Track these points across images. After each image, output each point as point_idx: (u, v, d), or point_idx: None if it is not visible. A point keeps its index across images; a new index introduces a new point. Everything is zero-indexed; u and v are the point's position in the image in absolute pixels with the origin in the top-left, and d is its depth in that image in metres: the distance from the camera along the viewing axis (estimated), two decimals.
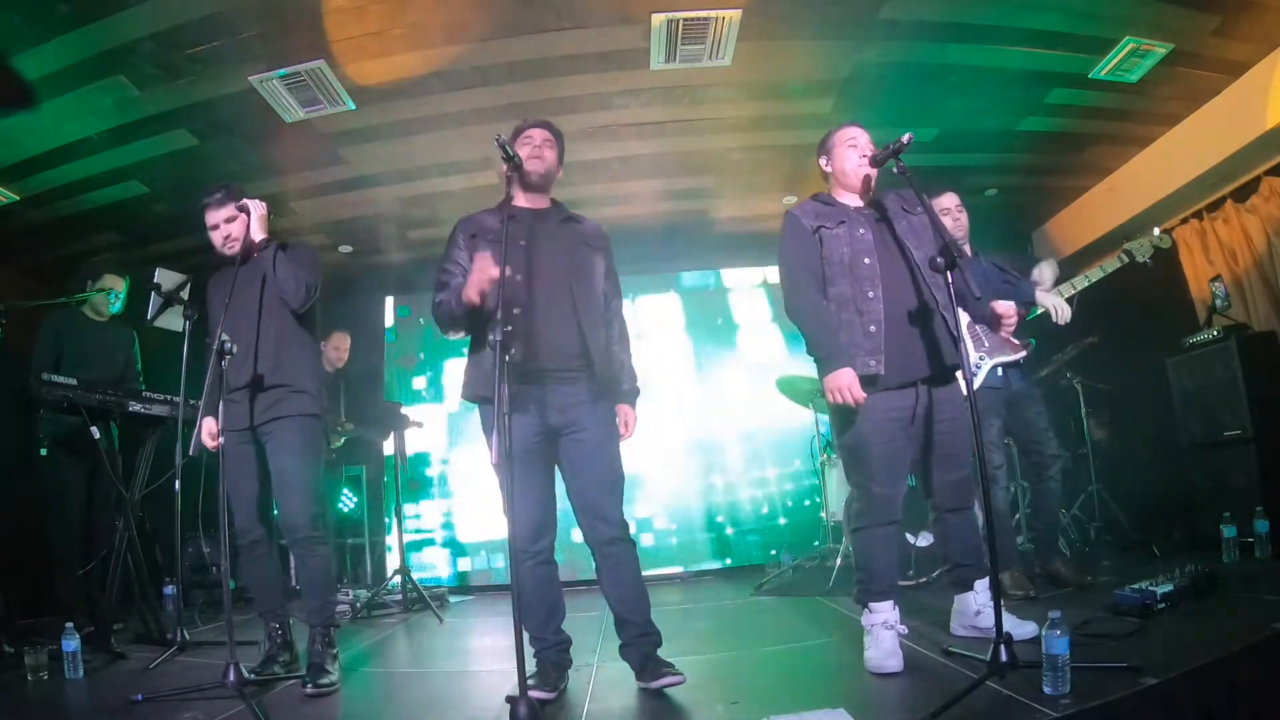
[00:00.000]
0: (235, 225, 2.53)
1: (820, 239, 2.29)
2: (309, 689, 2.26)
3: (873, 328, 2.19)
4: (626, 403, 2.32)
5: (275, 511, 2.51)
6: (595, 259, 2.32)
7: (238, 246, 2.49)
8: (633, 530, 2.26)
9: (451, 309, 2.13)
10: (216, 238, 2.55)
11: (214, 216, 2.53)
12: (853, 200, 2.38)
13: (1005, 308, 2.25)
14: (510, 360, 2.01)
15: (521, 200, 2.28)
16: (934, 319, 2.21)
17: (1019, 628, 2.19)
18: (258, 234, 2.50)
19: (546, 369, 2.13)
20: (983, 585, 2.34)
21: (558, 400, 2.15)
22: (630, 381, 2.35)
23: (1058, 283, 3.25)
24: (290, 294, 2.46)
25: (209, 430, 2.39)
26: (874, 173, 2.33)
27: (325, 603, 2.49)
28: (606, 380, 2.23)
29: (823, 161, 2.44)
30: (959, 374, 2.59)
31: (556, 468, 2.24)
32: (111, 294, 3.49)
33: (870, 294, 2.21)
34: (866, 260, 2.24)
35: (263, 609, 2.54)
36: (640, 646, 2.14)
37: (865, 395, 2.15)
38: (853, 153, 2.34)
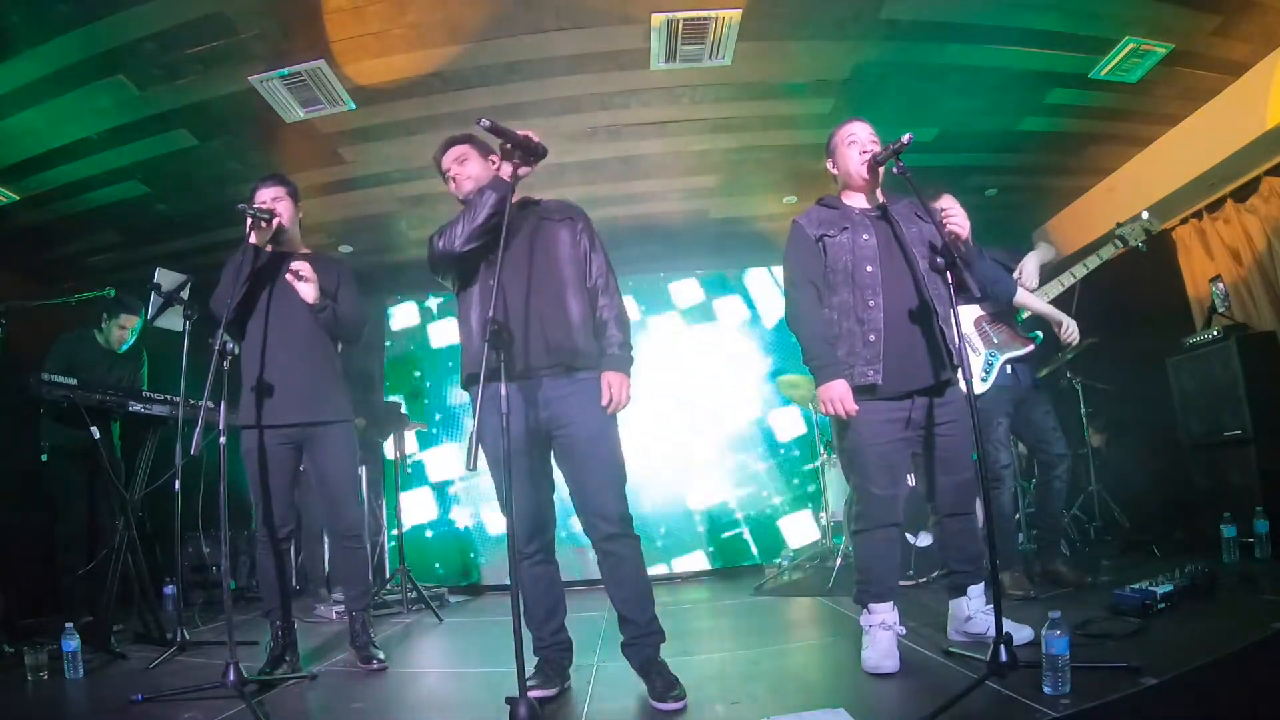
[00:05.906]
0: (281, 205, 2.65)
1: (824, 247, 2.26)
2: (374, 665, 2.57)
3: (872, 336, 2.17)
4: (612, 369, 2.12)
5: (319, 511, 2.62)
6: (556, 231, 2.21)
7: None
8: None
9: (452, 233, 2.10)
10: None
11: (262, 194, 2.66)
12: (859, 201, 2.33)
13: (945, 199, 2.27)
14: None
15: None
16: (935, 329, 2.18)
17: (1015, 631, 2.13)
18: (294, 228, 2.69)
19: (523, 364, 2.07)
20: (976, 591, 2.32)
21: (539, 395, 2.08)
22: (616, 345, 2.16)
23: (1053, 273, 3.22)
24: (349, 329, 2.66)
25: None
26: (878, 168, 2.27)
27: (367, 590, 2.79)
28: (583, 362, 2.11)
29: (829, 164, 2.40)
30: (960, 379, 2.56)
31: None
32: (128, 330, 3.61)
33: (871, 302, 2.19)
34: (869, 268, 2.21)
35: (271, 606, 2.55)
36: (642, 647, 2.09)
37: (858, 406, 2.14)
38: (853, 149, 2.28)
